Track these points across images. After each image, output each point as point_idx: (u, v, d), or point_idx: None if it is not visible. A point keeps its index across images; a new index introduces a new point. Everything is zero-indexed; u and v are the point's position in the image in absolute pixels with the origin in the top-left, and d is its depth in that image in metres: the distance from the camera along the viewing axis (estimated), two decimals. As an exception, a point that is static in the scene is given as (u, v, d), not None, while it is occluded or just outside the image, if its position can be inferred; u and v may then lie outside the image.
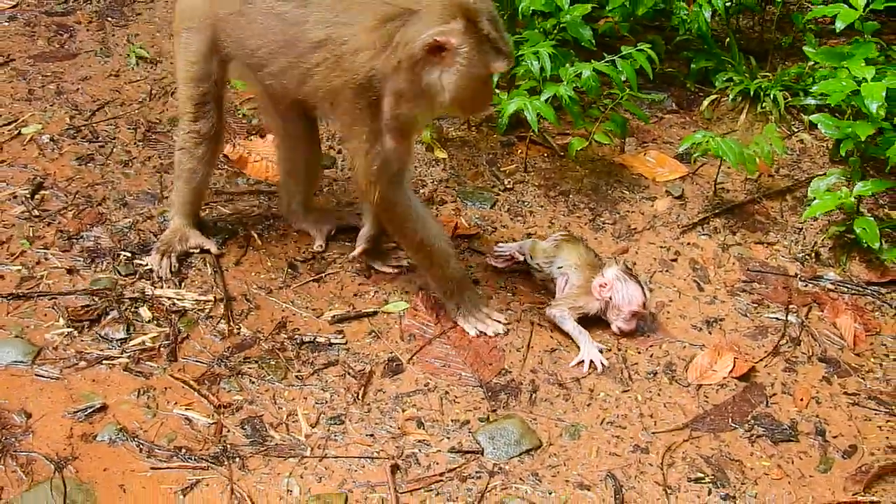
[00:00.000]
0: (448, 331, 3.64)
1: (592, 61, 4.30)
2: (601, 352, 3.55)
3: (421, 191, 4.28)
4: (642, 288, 3.59)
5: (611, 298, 3.60)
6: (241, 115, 4.68)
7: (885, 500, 3.15)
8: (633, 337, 3.65)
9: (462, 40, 3.17)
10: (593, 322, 3.66)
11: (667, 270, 3.97)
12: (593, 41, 4.52)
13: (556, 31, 4.52)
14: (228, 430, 3.22)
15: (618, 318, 3.62)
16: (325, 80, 3.33)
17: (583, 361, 3.53)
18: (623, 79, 4.33)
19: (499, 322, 3.67)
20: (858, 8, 3.97)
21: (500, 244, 3.93)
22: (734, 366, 3.55)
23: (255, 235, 4.01)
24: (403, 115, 3.34)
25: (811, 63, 4.40)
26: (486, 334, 3.63)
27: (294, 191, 4.02)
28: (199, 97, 3.66)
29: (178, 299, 3.68)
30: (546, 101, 4.25)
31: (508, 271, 3.90)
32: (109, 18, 5.37)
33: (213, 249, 3.86)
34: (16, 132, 4.47)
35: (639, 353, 3.61)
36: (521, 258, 3.85)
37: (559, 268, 3.74)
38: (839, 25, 3.99)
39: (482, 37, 3.19)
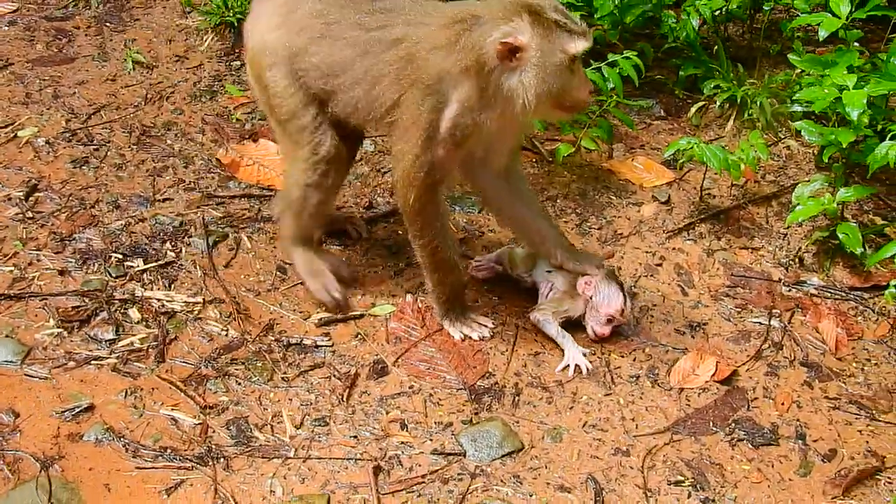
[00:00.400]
0: (433, 334, 3.68)
1: (581, 68, 4.33)
2: (584, 355, 3.59)
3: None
4: (624, 296, 3.61)
5: (591, 298, 3.63)
6: (234, 120, 4.72)
7: None
8: (616, 341, 3.68)
9: (531, 34, 3.15)
10: (576, 328, 3.68)
11: (652, 275, 4.00)
12: (582, 48, 4.55)
13: (545, 38, 4.54)
14: (214, 431, 3.26)
15: (593, 320, 3.64)
16: (395, 79, 3.33)
17: (568, 366, 3.56)
18: (610, 86, 4.38)
19: (484, 326, 3.70)
20: (841, 17, 4.01)
21: (478, 257, 3.95)
22: (716, 370, 3.58)
23: (245, 238, 4.05)
24: (465, 125, 3.29)
25: (798, 70, 4.42)
26: (471, 338, 3.66)
27: None
28: (313, 121, 3.54)
29: (167, 301, 3.72)
30: (534, 106, 4.28)
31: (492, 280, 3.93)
32: (108, 24, 5.41)
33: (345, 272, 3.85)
34: (12, 135, 4.53)
35: (622, 356, 3.64)
36: (500, 268, 3.88)
37: (548, 272, 3.77)
38: (822, 34, 4.03)
39: (550, 24, 3.16)
